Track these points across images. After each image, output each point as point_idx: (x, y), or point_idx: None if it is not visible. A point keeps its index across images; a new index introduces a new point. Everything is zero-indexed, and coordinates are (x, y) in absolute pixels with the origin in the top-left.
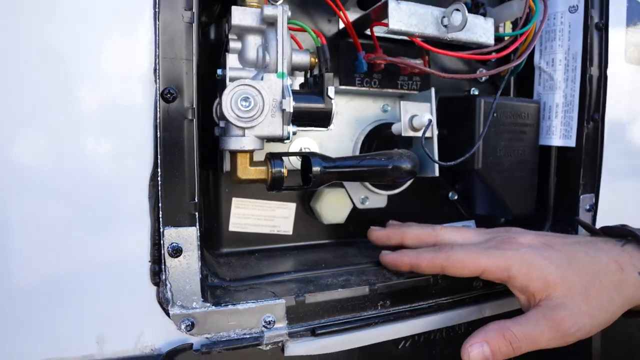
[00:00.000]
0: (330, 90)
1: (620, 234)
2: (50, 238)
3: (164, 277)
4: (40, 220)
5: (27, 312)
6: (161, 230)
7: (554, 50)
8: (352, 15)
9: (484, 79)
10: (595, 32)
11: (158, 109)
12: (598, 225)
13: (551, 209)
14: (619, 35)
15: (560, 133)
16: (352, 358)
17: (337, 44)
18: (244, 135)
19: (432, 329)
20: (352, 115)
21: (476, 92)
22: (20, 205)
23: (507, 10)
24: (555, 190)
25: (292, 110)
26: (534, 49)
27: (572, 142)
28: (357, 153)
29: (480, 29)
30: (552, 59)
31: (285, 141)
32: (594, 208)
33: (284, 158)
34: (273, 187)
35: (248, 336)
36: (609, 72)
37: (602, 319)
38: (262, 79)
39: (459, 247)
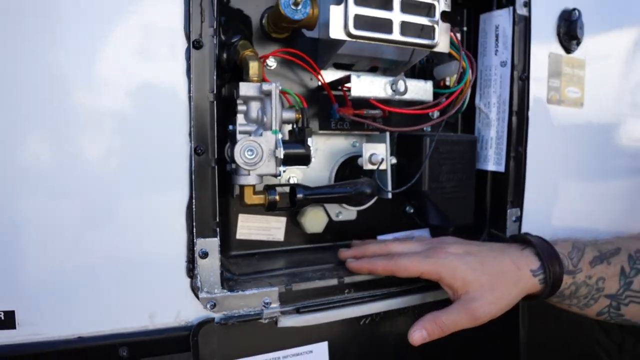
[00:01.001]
0: (309, 141)
1: (521, 240)
2: (127, 251)
3: (196, 272)
4: (122, 239)
5: (104, 294)
6: (194, 240)
7: (489, 95)
8: (329, 73)
9: (435, 116)
10: (519, 82)
11: (192, 160)
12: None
13: (488, 220)
14: (542, 83)
15: (493, 160)
16: (325, 330)
17: (317, 96)
18: (249, 175)
19: (385, 310)
20: (328, 150)
21: (429, 129)
22: (117, 224)
23: (447, 69)
24: (490, 205)
25: (282, 157)
26: (474, 93)
27: (502, 168)
28: (333, 180)
29: (421, 90)
30: (488, 102)
31: (277, 177)
32: (519, 219)
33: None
34: (269, 209)
35: (252, 313)
36: (532, 112)
37: (503, 305)
38: (261, 134)
39: (404, 256)
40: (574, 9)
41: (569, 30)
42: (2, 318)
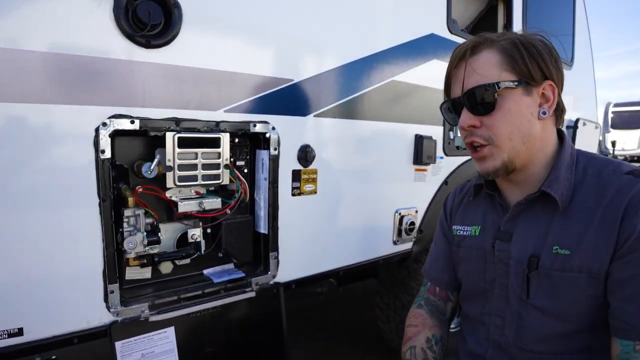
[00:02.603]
0: (159, 233)
1: None
2: (74, 292)
3: (108, 299)
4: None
5: (67, 313)
6: (107, 285)
7: (260, 194)
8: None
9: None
10: (273, 188)
11: (105, 253)
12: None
13: (262, 258)
14: (288, 185)
15: (263, 228)
16: (172, 321)
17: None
18: (131, 253)
19: (200, 310)
20: (174, 230)
21: (229, 212)
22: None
23: (233, 186)
24: (262, 250)
25: (146, 243)
26: (254, 192)
27: (267, 232)
28: (176, 245)
29: (214, 203)
30: (260, 197)
31: (145, 251)
32: (277, 258)
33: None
34: (142, 267)
35: (136, 316)
36: (282, 202)
37: None
38: (136, 233)
39: None
40: (307, 145)
41: (304, 156)
42: (17, 331)
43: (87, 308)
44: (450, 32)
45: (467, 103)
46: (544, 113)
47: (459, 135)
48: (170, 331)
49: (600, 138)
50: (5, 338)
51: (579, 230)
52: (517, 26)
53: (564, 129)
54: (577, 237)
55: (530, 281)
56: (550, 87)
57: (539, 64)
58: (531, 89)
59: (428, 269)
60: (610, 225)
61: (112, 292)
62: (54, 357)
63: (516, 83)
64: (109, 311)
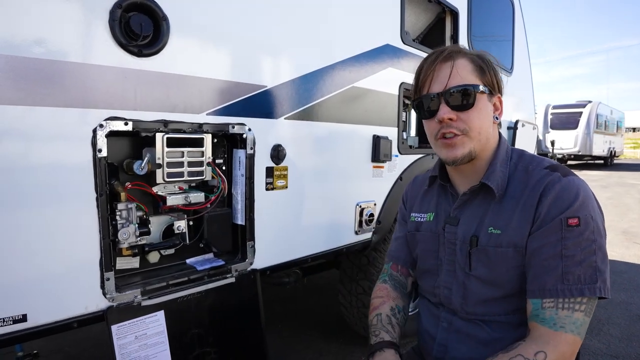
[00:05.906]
0: (149, 225)
1: None
2: (80, 282)
3: (105, 286)
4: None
5: (68, 300)
6: (104, 275)
7: (237, 189)
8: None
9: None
10: (249, 183)
11: (102, 245)
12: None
13: (240, 247)
14: (263, 181)
15: (240, 219)
16: (162, 305)
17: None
18: (124, 243)
19: (186, 294)
20: (159, 223)
21: (209, 207)
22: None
23: (214, 181)
24: (240, 239)
25: (138, 234)
26: (231, 187)
27: (243, 223)
28: (162, 236)
29: (198, 197)
30: (237, 192)
31: (137, 242)
32: (253, 247)
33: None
34: (133, 256)
35: (129, 301)
36: (258, 197)
37: None
38: (129, 225)
39: None
40: (279, 144)
41: (277, 154)
42: (21, 317)
43: (85, 295)
44: (404, 42)
45: (448, 99)
46: (497, 118)
47: (411, 135)
48: (161, 315)
49: (541, 138)
50: (10, 324)
51: (508, 213)
52: (463, 36)
53: (504, 129)
54: (506, 219)
55: (472, 256)
56: (499, 99)
57: (497, 78)
58: (492, 97)
59: (390, 250)
60: (530, 208)
61: (108, 279)
62: (35, 351)
63: (487, 89)
64: (105, 297)
